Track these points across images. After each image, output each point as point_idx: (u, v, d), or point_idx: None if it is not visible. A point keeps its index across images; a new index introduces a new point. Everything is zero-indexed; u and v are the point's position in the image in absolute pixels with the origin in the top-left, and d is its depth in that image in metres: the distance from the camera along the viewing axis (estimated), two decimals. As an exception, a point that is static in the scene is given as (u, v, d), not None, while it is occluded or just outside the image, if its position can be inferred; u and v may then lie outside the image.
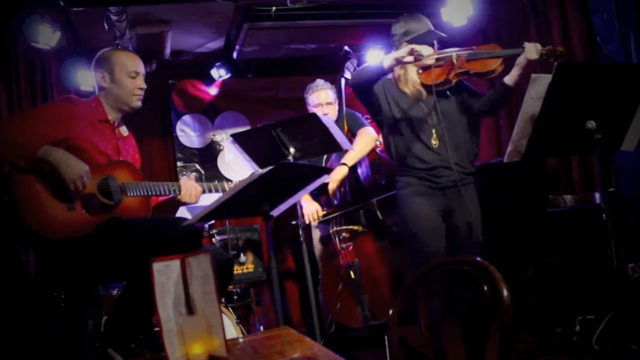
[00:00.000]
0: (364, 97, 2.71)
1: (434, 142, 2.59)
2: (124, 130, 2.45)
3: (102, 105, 2.34)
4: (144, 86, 2.38)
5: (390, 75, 2.68)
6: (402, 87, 2.67)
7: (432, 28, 2.60)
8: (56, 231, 2.02)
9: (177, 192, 2.35)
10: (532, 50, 2.41)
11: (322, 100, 3.37)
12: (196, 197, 2.39)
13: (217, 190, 2.47)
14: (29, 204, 2.00)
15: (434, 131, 2.60)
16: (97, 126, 2.29)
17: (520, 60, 2.47)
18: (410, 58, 2.38)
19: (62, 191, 2.05)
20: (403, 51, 2.40)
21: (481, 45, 2.63)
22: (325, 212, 3.32)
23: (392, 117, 2.65)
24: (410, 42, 2.52)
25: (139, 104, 2.38)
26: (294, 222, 3.40)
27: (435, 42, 2.58)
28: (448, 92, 2.66)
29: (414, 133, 2.61)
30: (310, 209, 3.28)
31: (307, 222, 3.27)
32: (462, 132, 2.66)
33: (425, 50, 2.42)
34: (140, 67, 2.37)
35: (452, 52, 2.53)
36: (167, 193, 2.34)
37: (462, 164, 2.63)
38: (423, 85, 2.61)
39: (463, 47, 2.57)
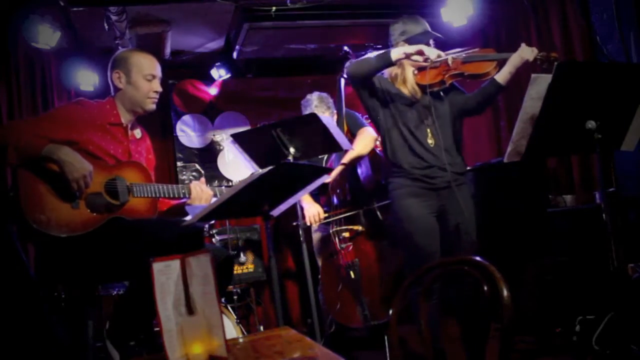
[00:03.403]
0: (364, 90, 2.67)
1: (430, 141, 2.60)
2: (137, 133, 2.44)
3: (116, 108, 2.34)
4: (160, 89, 2.37)
5: (385, 73, 2.69)
6: (398, 86, 2.68)
7: (429, 29, 2.65)
8: (56, 228, 2.02)
9: (187, 196, 2.32)
10: (527, 51, 2.46)
11: None
12: (207, 201, 2.34)
13: None
14: (32, 200, 2.01)
15: (429, 131, 2.61)
16: (108, 129, 2.28)
17: (514, 59, 2.49)
18: (418, 57, 2.45)
19: (66, 189, 2.05)
20: (412, 48, 2.45)
21: (478, 48, 2.65)
22: (326, 215, 3.32)
23: (390, 114, 2.66)
24: (406, 41, 2.61)
25: (153, 107, 2.37)
26: (295, 224, 3.40)
27: (431, 42, 2.63)
28: (441, 93, 2.68)
29: (410, 132, 2.62)
30: (312, 211, 3.28)
31: (309, 224, 3.27)
32: (453, 133, 2.68)
33: (433, 53, 2.47)
34: (157, 70, 2.36)
35: (449, 54, 2.56)
36: (176, 196, 2.30)
37: (455, 164, 2.63)
38: (418, 85, 2.63)
39: (461, 49, 2.59)
